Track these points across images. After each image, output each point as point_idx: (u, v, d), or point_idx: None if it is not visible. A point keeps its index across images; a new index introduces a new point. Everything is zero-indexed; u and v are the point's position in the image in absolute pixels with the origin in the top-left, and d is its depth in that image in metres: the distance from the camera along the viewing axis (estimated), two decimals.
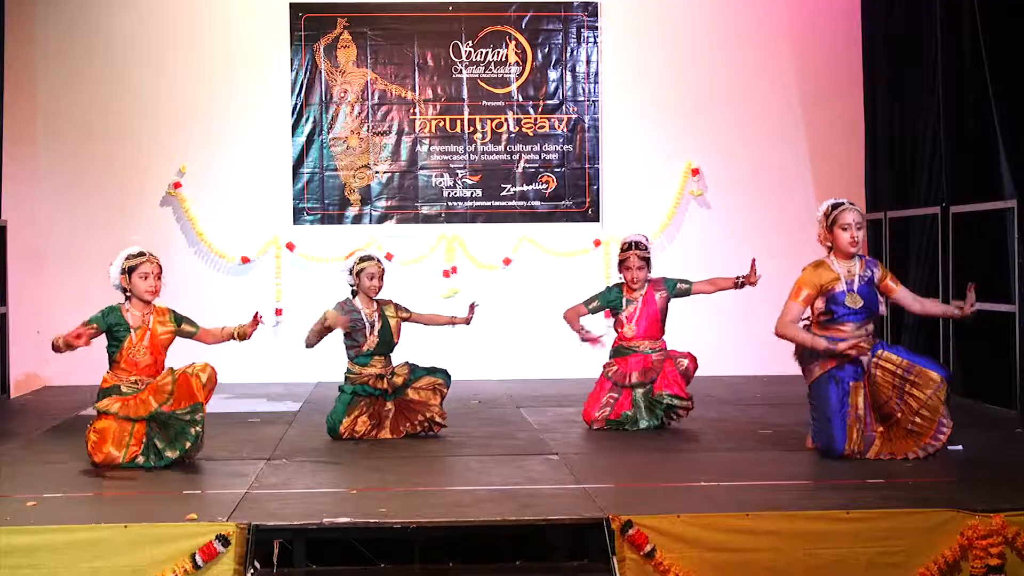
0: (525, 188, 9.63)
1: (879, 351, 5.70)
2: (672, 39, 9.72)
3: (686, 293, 6.87)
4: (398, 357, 6.69)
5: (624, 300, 6.88)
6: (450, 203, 9.63)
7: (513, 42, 9.67)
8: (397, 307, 6.67)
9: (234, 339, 6.08)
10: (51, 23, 9.36)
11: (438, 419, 6.53)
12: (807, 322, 5.83)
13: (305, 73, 9.54)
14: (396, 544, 4.82)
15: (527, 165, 9.64)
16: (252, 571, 4.36)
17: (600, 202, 9.64)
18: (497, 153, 9.67)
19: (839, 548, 4.46)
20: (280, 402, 8.12)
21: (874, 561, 4.47)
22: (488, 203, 9.65)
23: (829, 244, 5.79)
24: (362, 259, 6.61)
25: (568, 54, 9.70)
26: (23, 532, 4.35)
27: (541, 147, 9.68)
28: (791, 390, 8.18)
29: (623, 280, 6.92)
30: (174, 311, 5.95)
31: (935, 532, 4.49)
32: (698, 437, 6.54)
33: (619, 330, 6.91)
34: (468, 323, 6.80)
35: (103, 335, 5.77)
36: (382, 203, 9.58)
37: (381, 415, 6.52)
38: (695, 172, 9.66)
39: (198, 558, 4.27)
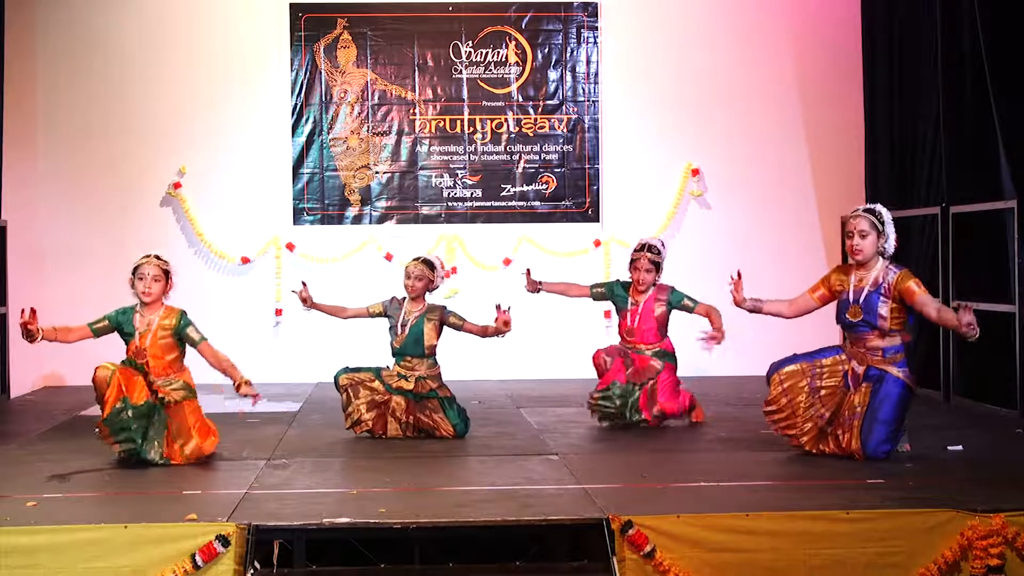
0: (525, 188, 9.63)
1: (862, 385, 5.69)
2: (672, 39, 9.72)
3: (688, 310, 6.89)
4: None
5: (628, 300, 6.90)
6: (450, 203, 9.63)
7: (513, 42, 9.67)
8: (444, 316, 6.52)
9: (232, 381, 5.83)
10: (51, 23, 9.36)
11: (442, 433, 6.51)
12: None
13: (305, 73, 9.54)
14: (396, 544, 4.83)
15: (527, 165, 9.64)
16: (252, 571, 4.36)
17: (600, 202, 9.64)
18: (497, 153, 9.67)
19: (839, 548, 4.46)
20: (280, 402, 8.11)
21: (874, 561, 4.47)
22: (488, 203, 9.65)
23: None
24: (414, 259, 6.60)
25: (568, 54, 9.70)
26: (23, 532, 4.35)
27: (541, 147, 9.68)
28: None
29: (631, 280, 6.93)
30: (184, 315, 5.82)
31: (935, 532, 4.49)
32: (698, 437, 6.55)
33: (620, 324, 6.97)
34: (501, 333, 6.45)
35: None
36: (382, 203, 9.58)
37: (387, 410, 6.46)
38: (695, 172, 9.66)
39: (198, 558, 4.27)
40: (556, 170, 9.67)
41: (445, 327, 6.58)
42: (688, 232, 9.71)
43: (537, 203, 9.65)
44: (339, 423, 7.09)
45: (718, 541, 4.44)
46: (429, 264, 6.56)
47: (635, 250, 6.94)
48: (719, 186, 9.72)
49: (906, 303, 5.64)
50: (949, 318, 5.54)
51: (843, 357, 5.77)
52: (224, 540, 4.30)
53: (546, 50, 9.70)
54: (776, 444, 6.22)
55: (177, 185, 9.41)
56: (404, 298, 6.60)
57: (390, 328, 6.57)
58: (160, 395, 5.72)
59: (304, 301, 6.58)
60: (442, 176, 9.63)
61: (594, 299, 7.11)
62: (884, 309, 5.65)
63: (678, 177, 9.69)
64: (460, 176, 9.63)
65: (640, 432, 6.67)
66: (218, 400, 8.13)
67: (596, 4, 9.69)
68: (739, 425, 6.88)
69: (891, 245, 5.75)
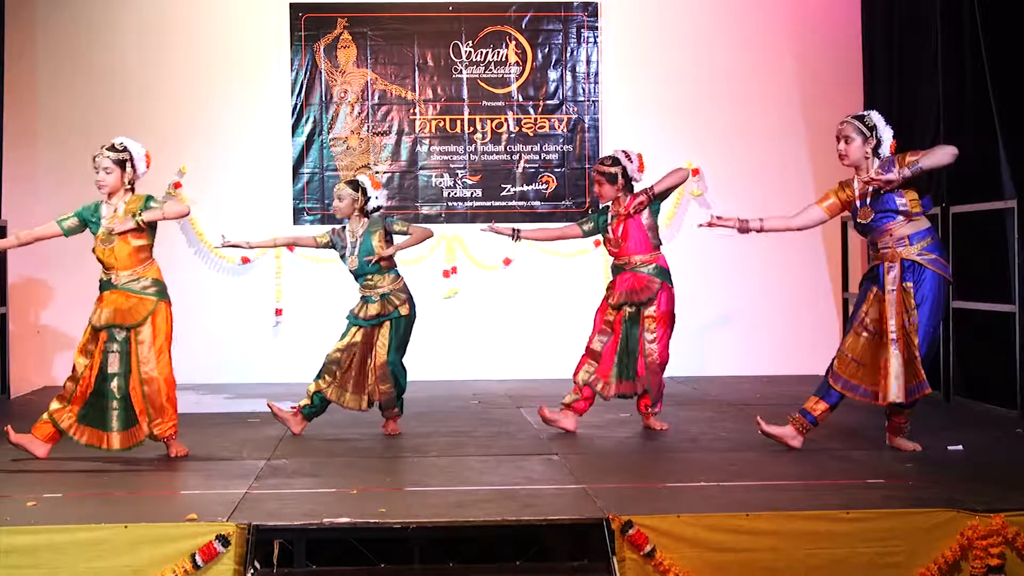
0: (525, 188, 9.63)
1: (905, 280, 5.69)
2: (672, 39, 9.72)
3: (659, 196, 6.81)
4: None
5: (610, 216, 6.87)
6: (450, 203, 9.64)
7: (513, 42, 9.67)
8: (388, 225, 6.60)
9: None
10: (51, 23, 9.36)
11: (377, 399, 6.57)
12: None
13: (305, 73, 9.54)
14: (396, 544, 4.83)
15: (527, 165, 9.64)
16: (252, 571, 4.36)
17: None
18: (497, 153, 9.67)
19: (839, 548, 4.47)
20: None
21: (874, 561, 4.47)
22: (488, 203, 9.65)
23: None
24: (346, 181, 6.70)
25: (568, 54, 9.70)
26: (23, 532, 4.35)
27: (541, 147, 9.68)
28: (791, 390, 8.19)
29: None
30: (151, 197, 5.90)
31: (935, 532, 4.49)
32: (698, 437, 6.55)
33: (608, 248, 6.91)
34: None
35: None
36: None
37: (354, 357, 6.58)
38: (695, 172, 9.66)
39: (198, 558, 4.27)
40: (556, 170, 9.67)
41: (395, 236, 6.64)
42: (688, 232, 9.70)
43: (537, 203, 9.65)
44: (339, 423, 7.10)
45: (718, 541, 4.44)
46: (353, 183, 6.63)
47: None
48: (719, 186, 9.72)
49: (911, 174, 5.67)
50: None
51: (875, 290, 5.76)
52: (224, 540, 4.30)
53: (546, 50, 9.70)
54: (776, 444, 6.22)
55: (177, 185, 9.40)
56: (344, 226, 6.68)
57: (341, 256, 6.67)
58: (127, 323, 5.73)
59: (237, 246, 6.89)
60: (442, 176, 9.63)
61: (585, 235, 7.05)
62: (899, 199, 5.74)
63: None
64: (460, 176, 9.63)
65: (640, 432, 6.67)
66: (218, 400, 8.17)
67: (596, 4, 9.69)
68: (739, 425, 6.88)
69: (885, 148, 5.89)
